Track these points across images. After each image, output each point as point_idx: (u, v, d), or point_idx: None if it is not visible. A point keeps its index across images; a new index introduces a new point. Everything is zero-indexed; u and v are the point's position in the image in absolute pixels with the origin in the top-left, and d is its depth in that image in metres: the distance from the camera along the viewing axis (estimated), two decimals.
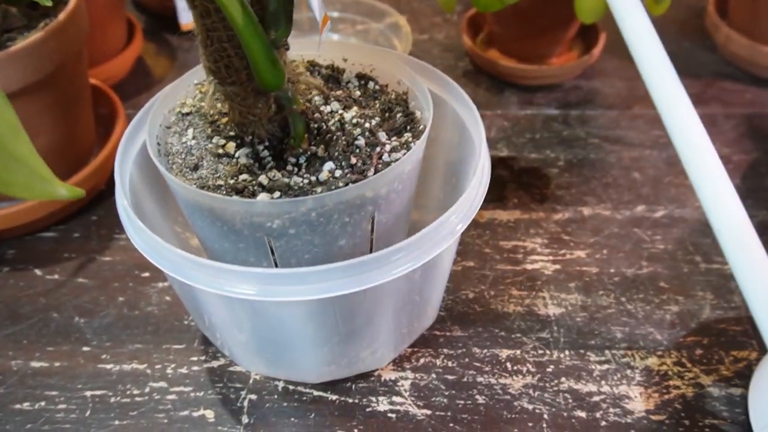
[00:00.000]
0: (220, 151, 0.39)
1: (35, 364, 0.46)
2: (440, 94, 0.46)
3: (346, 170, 0.37)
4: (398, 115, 0.42)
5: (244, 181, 0.37)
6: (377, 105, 0.43)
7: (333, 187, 0.36)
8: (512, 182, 0.57)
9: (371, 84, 0.45)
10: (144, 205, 0.43)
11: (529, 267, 0.51)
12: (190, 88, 0.44)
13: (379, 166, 0.38)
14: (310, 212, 0.35)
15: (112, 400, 0.44)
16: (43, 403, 0.44)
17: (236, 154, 0.39)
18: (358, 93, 0.44)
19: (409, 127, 0.41)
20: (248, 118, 0.39)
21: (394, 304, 0.41)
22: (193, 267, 0.35)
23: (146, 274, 0.52)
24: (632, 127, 0.64)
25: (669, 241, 0.53)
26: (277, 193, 0.36)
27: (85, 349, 0.47)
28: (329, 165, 0.37)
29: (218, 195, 0.35)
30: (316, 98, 0.43)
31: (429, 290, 0.44)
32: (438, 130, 0.45)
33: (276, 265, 0.39)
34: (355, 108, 0.42)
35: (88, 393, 0.44)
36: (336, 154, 0.38)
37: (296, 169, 0.38)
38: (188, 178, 0.38)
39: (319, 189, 0.36)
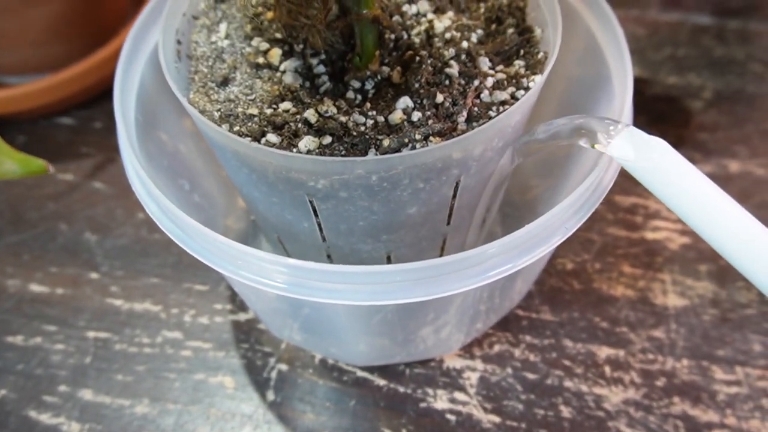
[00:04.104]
0: (261, 59, 0.29)
1: (35, 287, 0.38)
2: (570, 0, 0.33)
3: (428, 112, 0.26)
4: (509, 30, 0.30)
5: (286, 113, 0.27)
6: (481, 10, 0.31)
7: (406, 139, 0.25)
8: (641, 113, 0.44)
9: None
10: (161, 118, 0.33)
11: (650, 236, 0.39)
12: None
13: (475, 109, 0.27)
14: (370, 175, 0.25)
15: (117, 347, 0.36)
16: (39, 340, 0.37)
17: (281, 67, 0.29)
18: None
19: (522, 52, 0.29)
20: (299, 20, 0.28)
21: (474, 293, 0.31)
22: (209, 245, 0.25)
23: None
24: None
25: None
26: (327, 138, 0.26)
27: (93, 276, 0.39)
28: (405, 101, 0.26)
29: (242, 140, 0.25)
30: None
31: (525, 274, 0.34)
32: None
33: (320, 228, 0.29)
34: (450, 13, 0.30)
35: (91, 334, 0.37)
36: (416, 85, 0.27)
37: (359, 97, 0.28)
38: (212, 99, 0.28)
39: (386, 140, 0.25)
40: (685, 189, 0.23)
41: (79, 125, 0.46)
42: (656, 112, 0.45)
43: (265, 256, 0.24)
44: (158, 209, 0.27)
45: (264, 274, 0.25)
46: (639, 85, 0.46)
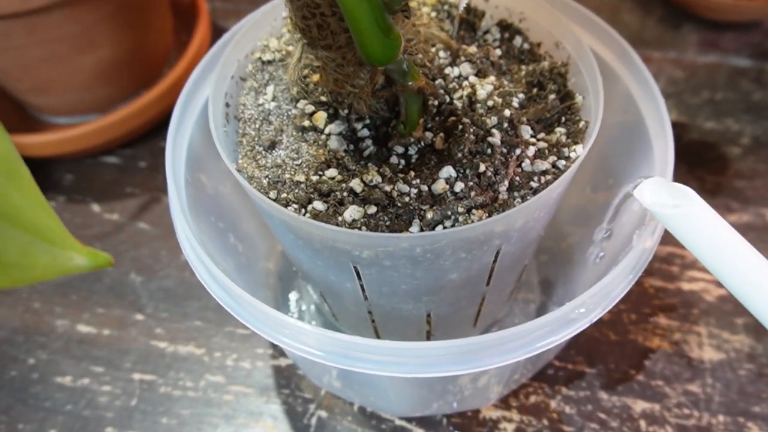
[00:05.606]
0: (306, 123, 0.30)
1: (83, 328, 0.40)
2: (609, 63, 0.33)
3: (471, 182, 0.27)
4: (551, 96, 0.30)
5: (331, 180, 0.27)
6: (522, 74, 0.31)
7: (449, 212, 0.26)
8: (678, 160, 0.44)
9: (518, 40, 0.33)
10: (205, 166, 0.34)
11: (686, 287, 0.40)
12: (277, 21, 0.34)
13: (516, 179, 0.27)
14: (414, 248, 0.25)
15: (162, 390, 0.37)
16: (86, 381, 0.38)
17: (326, 130, 0.29)
18: (498, 53, 0.32)
19: (563, 119, 0.30)
20: (345, 88, 0.28)
21: None
22: (255, 314, 0.26)
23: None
24: None
25: None
26: (372, 208, 0.26)
27: (138, 317, 0.40)
28: (448, 171, 0.27)
29: (290, 213, 0.26)
30: (441, 54, 0.32)
31: None
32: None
33: (362, 290, 0.30)
34: (492, 78, 0.30)
35: (137, 376, 0.38)
36: (459, 154, 0.27)
37: (402, 162, 0.28)
38: (260, 165, 0.29)
39: (429, 212, 0.26)
40: (710, 238, 0.23)
41: (124, 164, 0.47)
42: (694, 158, 0.45)
43: (307, 329, 0.25)
44: (212, 279, 0.28)
45: (303, 342, 0.26)
46: (677, 129, 0.46)
